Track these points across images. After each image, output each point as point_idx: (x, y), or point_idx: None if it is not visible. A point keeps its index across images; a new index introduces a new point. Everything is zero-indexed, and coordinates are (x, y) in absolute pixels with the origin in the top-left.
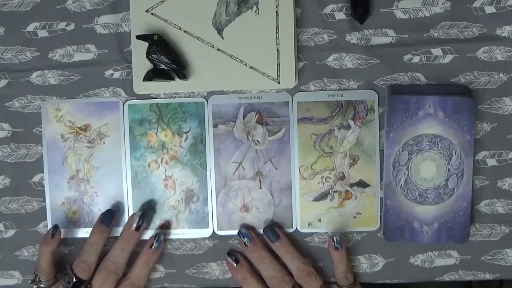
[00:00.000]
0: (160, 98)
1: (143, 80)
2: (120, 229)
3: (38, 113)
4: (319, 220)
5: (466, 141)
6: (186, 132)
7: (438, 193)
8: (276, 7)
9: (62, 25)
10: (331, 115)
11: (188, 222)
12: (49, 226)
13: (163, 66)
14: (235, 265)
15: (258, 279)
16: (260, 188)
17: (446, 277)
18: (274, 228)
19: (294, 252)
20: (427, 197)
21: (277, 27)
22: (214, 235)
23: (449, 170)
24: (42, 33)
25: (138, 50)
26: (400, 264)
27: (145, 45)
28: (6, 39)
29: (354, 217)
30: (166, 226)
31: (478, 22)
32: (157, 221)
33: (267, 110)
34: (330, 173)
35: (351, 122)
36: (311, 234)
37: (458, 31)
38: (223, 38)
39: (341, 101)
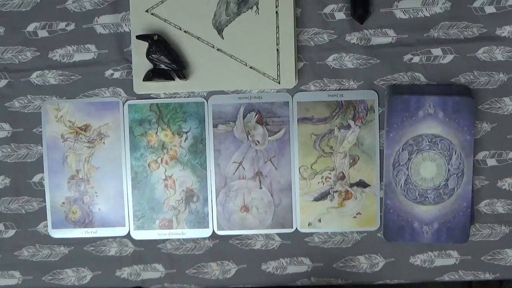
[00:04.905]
0: (160, 98)
1: (143, 80)
2: (122, 228)
3: (38, 113)
4: (319, 220)
5: (466, 141)
6: (186, 132)
7: (438, 193)
8: (276, 7)
9: (62, 25)
10: (331, 115)
11: (188, 222)
12: (49, 226)
13: (163, 66)
14: None
15: None
16: (260, 188)
17: (446, 277)
18: None
19: None
20: (427, 197)
21: (277, 27)
22: (214, 235)
23: (449, 170)
24: (42, 33)
25: (138, 50)
26: (400, 264)
27: (145, 45)
28: (6, 39)
29: (354, 217)
30: (166, 226)
31: (478, 22)
32: (157, 221)
33: (267, 110)
34: (330, 173)
35: (351, 122)
36: (311, 234)
37: (458, 31)
38: (223, 38)
39: (341, 101)
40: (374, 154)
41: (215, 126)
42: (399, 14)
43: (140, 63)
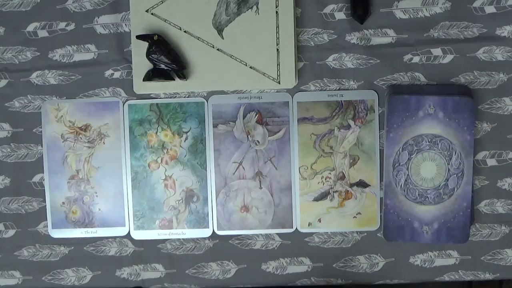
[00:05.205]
0: (160, 98)
1: (143, 80)
2: (122, 228)
3: (38, 113)
4: (319, 220)
5: (466, 141)
6: (186, 132)
7: (438, 193)
8: (276, 7)
9: (62, 25)
10: (331, 115)
11: (188, 222)
12: (49, 226)
13: (163, 66)
14: None
15: None
16: (260, 188)
17: (446, 277)
18: None
19: None
20: (427, 197)
21: (277, 27)
22: (214, 235)
23: (449, 170)
24: (42, 33)
25: (138, 50)
26: (400, 264)
27: (145, 45)
28: (6, 39)
29: (354, 217)
30: (166, 226)
31: (478, 22)
32: (157, 221)
33: (267, 110)
34: (330, 173)
35: (351, 122)
36: (311, 234)
37: (458, 31)
38: (223, 38)
39: (341, 101)
40: (374, 154)
41: (215, 126)
42: (399, 14)
43: (140, 63)
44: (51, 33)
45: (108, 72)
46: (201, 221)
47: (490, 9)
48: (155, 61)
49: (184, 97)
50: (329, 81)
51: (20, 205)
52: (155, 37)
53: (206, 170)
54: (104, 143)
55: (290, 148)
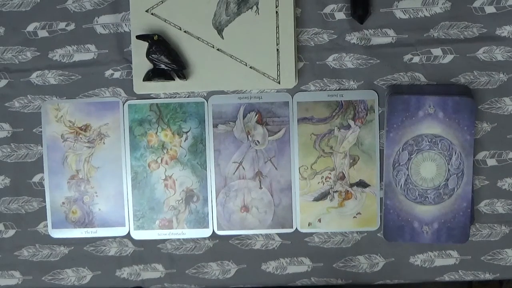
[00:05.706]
0: (160, 98)
1: (143, 80)
2: (122, 228)
3: (38, 113)
4: (319, 220)
5: (466, 141)
6: (186, 132)
7: (438, 193)
8: (276, 7)
9: (62, 25)
10: (331, 115)
11: (188, 222)
12: (49, 226)
13: (163, 66)
14: None
15: None
16: (260, 188)
17: (446, 277)
18: None
19: None
20: (427, 197)
21: (277, 27)
22: (214, 235)
23: (449, 170)
24: (42, 33)
25: (138, 50)
26: (400, 264)
27: (145, 45)
28: (6, 39)
29: (354, 217)
30: (166, 226)
31: (478, 22)
32: (157, 221)
33: (267, 110)
34: (330, 173)
35: (351, 122)
36: (311, 234)
37: (458, 31)
38: (223, 38)
39: (341, 101)
40: (374, 154)
41: (215, 126)
42: (399, 14)
43: (140, 63)
44: (51, 33)
45: (108, 72)
46: (201, 221)
47: (490, 9)
48: (155, 61)
49: (184, 97)
50: (329, 81)
51: (20, 205)
52: (155, 37)
53: (206, 170)
54: (104, 143)
55: (290, 148)
